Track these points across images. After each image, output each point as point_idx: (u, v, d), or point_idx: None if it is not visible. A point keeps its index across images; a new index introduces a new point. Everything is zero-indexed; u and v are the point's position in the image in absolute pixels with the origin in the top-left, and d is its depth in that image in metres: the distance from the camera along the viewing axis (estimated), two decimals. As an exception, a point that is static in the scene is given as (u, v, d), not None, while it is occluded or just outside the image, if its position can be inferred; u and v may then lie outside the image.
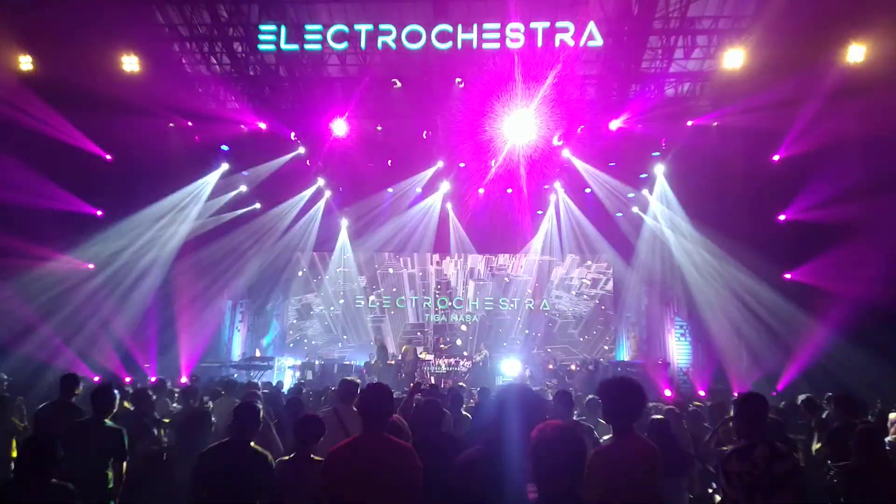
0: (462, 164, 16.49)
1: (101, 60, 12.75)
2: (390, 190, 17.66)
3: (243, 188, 16.60)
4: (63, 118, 12.93)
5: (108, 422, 5.19)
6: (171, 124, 14.31)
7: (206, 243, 15.87)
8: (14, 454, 6.06)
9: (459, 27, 12.31)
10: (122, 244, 14.31)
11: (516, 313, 19.29)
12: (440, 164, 16.36)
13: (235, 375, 13.95)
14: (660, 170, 15.65)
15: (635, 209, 17.34)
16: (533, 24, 12.21)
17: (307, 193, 17.36)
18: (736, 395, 9.61)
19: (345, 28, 12.70)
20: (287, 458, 4.44)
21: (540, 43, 12.21)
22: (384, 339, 18.30)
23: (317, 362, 16.40)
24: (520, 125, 13.63)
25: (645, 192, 16.47)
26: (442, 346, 17.76)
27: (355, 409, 4.64)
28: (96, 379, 11.27)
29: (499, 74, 12.77)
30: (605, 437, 5.09)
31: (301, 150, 15.47)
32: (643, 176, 16.23)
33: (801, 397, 7.60)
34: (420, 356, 16.50)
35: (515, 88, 12.70)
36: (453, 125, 14.37)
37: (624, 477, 3.34)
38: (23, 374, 10.08)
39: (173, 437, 6.74)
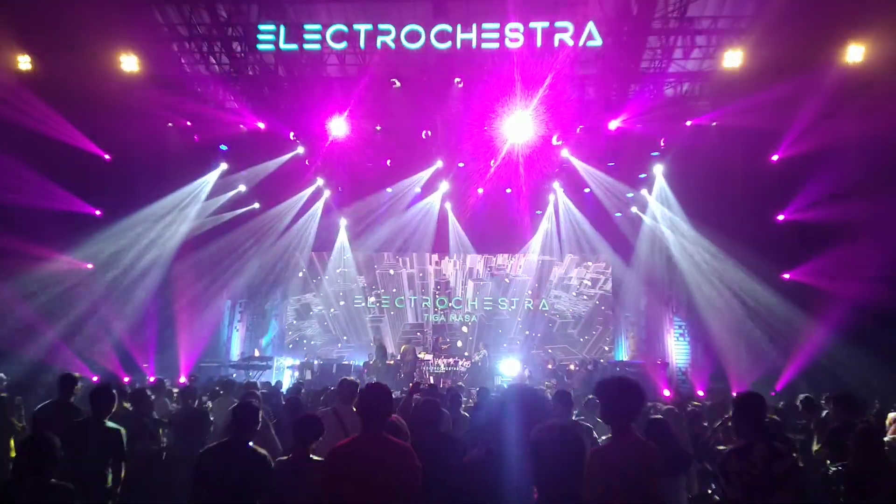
0: (461, 164, 16.48)
1: (100, 60, 12.74)
2: (389, 190, 17.64)
3: (242, 188, 16.58)
4: (62, 118, 12.91)
5: (107, 422, 5.19)
6: (169, 124, 14.26)
7: (205, 243, 15.87)
8: (13, 454, 6.05)
9: (459, 27, 12.30)
10: (121, 244, 14.31)
11: (515, 313, 19.29)
12: (439, 163, 16.35)
13: (234, 375, 13.95)
14: (659, 170, 15.65)
15: (634, 209, 17.36)
16: (532, 24, 12.21)
17: (306, 193, 17.33)
18: (735, 394, 9.62)
19: (344, 28, 12.69)
20: (286, 458, 4.44)
21: (539, 43, 12.21)
22: (383, 339, 18.28)
23: (316, 362, 16.39)
24: (519, 125, 13.62)
25: (644, 192, 16.48)
26: (442, 346, 17.75)
27: (354, 409, 4.64)
28: (95, 379, 11.26)
29: (498, 74, 12.78)
30: (604, 437, 5.09)
31: (300, 149, 15.46)
32: (642, 176, 16.23)
33: (800, 397, 7.61)
34: (419, 356, 16.50)
35: (515, 88, 12.69)
36: (452, 125, 14.38)
37: (622, 477, 3.34)
38: (21, 374, 10.07)
39: (172, 437, 6.75)
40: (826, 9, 11.15)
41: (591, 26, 12.08)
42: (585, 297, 19.31)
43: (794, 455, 4.47)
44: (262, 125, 14.26)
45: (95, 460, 4.95)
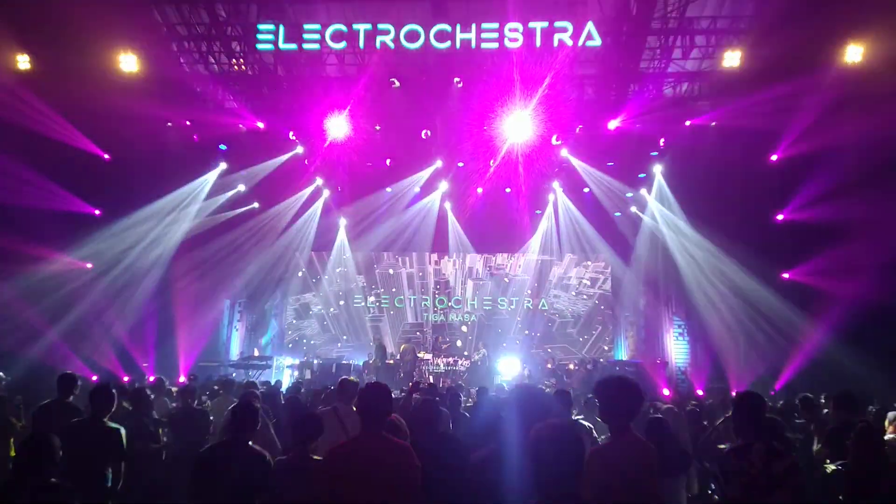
0: (461, 164, 16.48)
1: (99, 60, 12.74)
2: (389, 189, 17.64)
3: (241, 187, 16.57)
4: (61, 117, 12.90)
5: (106, 421, 5.19)
6: (168, 123, 14.27)
7: (204, 242, 15.86)
8: (12, 454, 6.05)
9: (458, 27, 12.31)
10: (120, 243, 14.30)
11: (515, 313, 19.29)
12: (439, 163, 16.36)
13: (234, 375, 13.94)
14: (658, 169, 15.67)
15: (634, 209, 17.37)
16: (531, 24, 12.22)
17: (305, 193, 17.34)
18: (734, 394, 9.63)
19: (343, 27, 12.69)
20: (286, 457, 4.44)
21: (538, 43, 12.22)
22: (383, 338, 18.28)
23: (315, 362, 16.39)
24: (518, 125, 13.63)
25: (643, 191, 16.49)
26: (441, 345, 17.76)
27: (354, 408, 4.64)
28: (94, 378, 11.27)
29: (497, 74, 12.80)
30: (603, 437, 5.10)
31: (299, 149, 15.46)
32: (641, 175, 16.25)
33: (799, 396, 7.61)
34: (419, 355, 16.50)
35: (514, 88, 12.71)
36: (452, 125, 14.38)
37: (621, 476, 3.34)
38: (21, 374, 10.06)
39: (172, 437, 6.76)
40: (825, 9, 11.15)
41: (590, 26, 12.09)
42: (585, 296, 19.31)
43: (793, 454, 4.48)
44: (261, 125, 14.27)
45: (95, 460, 4.95)
